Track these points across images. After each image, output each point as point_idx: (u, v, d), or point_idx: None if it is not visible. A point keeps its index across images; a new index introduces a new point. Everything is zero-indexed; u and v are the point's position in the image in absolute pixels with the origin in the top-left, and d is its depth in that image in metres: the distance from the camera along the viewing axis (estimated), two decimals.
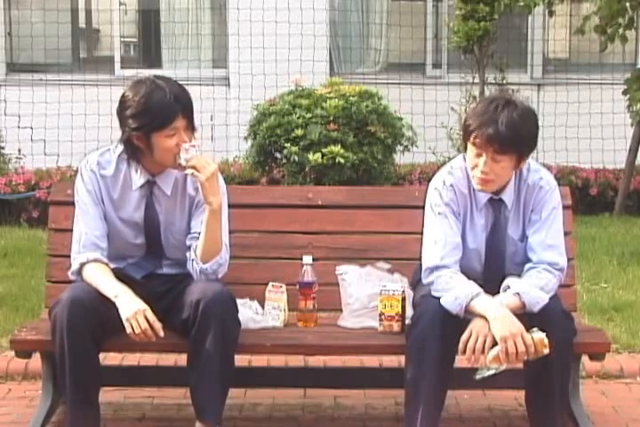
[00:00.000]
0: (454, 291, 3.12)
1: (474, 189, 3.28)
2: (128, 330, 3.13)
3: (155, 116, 3.19)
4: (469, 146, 3.19)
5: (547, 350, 3.01)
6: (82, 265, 3.28)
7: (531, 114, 3.18)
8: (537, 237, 3.26)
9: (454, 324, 3.10)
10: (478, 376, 3.09)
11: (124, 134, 3.26)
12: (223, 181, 3.41)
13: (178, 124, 3.21)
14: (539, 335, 3.01)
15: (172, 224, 3.37)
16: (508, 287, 3.14)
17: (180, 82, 3.31)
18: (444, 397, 3.16)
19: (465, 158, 3.32)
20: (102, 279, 3.23)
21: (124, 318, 3.12)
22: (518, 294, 3.10)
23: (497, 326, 3.03)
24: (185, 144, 3.22)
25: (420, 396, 3.10)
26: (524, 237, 3.30)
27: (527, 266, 3.25)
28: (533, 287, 3.13)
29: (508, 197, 3.28)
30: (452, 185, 3.28)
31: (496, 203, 3.29)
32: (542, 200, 3.28)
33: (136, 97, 3.21)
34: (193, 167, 3.21)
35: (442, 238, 3.23)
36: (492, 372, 3.07)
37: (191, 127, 3.27)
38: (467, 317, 3.10)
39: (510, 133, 3.09)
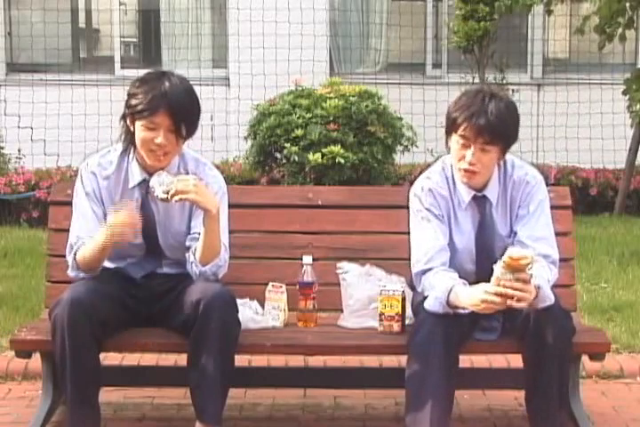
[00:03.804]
0: (433, 291, 3.15)
1: (455, 191, 3.31)
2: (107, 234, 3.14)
3: (139, 102, 3.18)
4: (456, 138, 3.20)
5: (526, 260, 2.93)
6: (74, 256, 3.28)
7: (513, 106, 3.23)
8: (525, 231, 3.27)
9: (456, 326, 3.11)
10: None
11: (123, 110, 3.28)
12: (223, 180, 3.40)
13: (159, 121, 3.18)
14: (509, 254, 2.94)
15: (170, 225, 3.36)
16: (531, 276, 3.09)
17: None
18: (452, 404, 3.15)
19: (443, 162, 3.36)
20: (90, 242, 3.23)
21: (109, 223, 3.14)
22: (539, 288, 3.07)
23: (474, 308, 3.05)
24: (152, 178, 3.18)
25: (426, 406, 3.06)
26: (511, 234, 3.31)
27: None
28: (547, 283, 3.12)
29: (491, 193, 3.30)
30: (430, 190, 3.30)
31: (480, 200, 3.31)
32: (529, 195, 3.31)
33: (139, 79, 3.26)
34: (177, 192, 3.14)
35: (425, 243, 3.26)
36: None
37: (178, 133, 3.21)
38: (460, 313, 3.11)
39: (500, 124, 3.14)
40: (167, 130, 3.19)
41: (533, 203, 3.30)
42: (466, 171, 3.21)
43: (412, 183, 3.46)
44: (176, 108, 3.18)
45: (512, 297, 2.96)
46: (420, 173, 3.50)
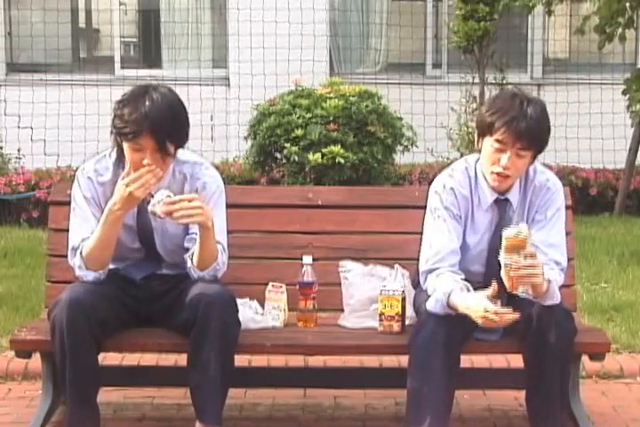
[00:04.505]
0: (435, 293, 3.14)
1: (476, 190, 3.29)
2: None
3: (123, 125, 3.14)
4: (490, 142, 3.17)
5: (523, 234, 2.94)
6: (80, 254, 3.25)
7: (546, 110, 3.22)
8: (540, 236, 3.25)
9: (458, 327, 3.10)
10: None
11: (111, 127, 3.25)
12: (220, 179, 3.38)
13: (143, 143, 3.13)
14: (505, 237, 2.95)
15: (167, 231, 3.34)
16: None
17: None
18: (451, 404, 3.16)
19: (467, 161, 3.34)
20: (96, 230, 3.21)
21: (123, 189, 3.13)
22: (550, 281, 3.08)
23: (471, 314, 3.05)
24: (152, 200, 3.13)
25: (427, 406, 3.07)
26: None
27: None
28: (556, 283, 3.13)
29: (513, 196, 3.29)
30: (452, 188, 3.28)
31: (502, 203, 3.29)
32: (548, 201, 3.30)
33: (122, 98, 3.19)
34: (182, 216, 3.11)
35: (438, 243, 3.24)
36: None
37: (164, 151, 3.16)
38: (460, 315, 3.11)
39: (538, 128, 3.14)
40: (153, 150, 3.15)
41: (551, 209, 3.29)
42: (498, 174, 3.19)
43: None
44: (158, 130, 3.12)
45: (530, 277, 2.96)
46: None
